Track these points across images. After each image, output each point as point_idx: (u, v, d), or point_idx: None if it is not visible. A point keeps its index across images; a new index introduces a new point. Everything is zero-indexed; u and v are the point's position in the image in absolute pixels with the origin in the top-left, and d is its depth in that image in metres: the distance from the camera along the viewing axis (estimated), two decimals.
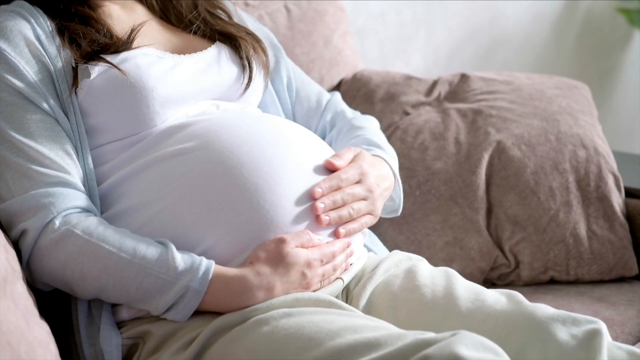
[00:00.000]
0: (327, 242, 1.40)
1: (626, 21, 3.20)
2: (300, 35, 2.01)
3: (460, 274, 1.56)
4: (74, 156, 1.40)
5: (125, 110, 1.41)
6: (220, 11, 1.63)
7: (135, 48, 1.45)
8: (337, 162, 1.44)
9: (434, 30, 2.74)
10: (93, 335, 1.37)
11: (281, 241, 1.35)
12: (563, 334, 1.29)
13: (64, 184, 1.37)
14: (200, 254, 1.35)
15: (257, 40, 1.58)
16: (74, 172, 1.39)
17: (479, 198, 1.84)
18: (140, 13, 1.55)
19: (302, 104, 1.69)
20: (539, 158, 1.86)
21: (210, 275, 1.32)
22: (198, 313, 1.34)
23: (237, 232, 1.35)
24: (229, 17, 1.63)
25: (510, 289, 1.41)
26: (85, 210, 1.38)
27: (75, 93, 1.42)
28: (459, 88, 1.99)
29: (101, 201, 1.42)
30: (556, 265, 1.84)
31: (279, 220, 1.36)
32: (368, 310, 1.42)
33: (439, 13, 2.74)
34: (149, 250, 1.33)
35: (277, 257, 1.34)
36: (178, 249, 1.34)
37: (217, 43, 1.55)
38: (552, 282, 1.88)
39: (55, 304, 1.42)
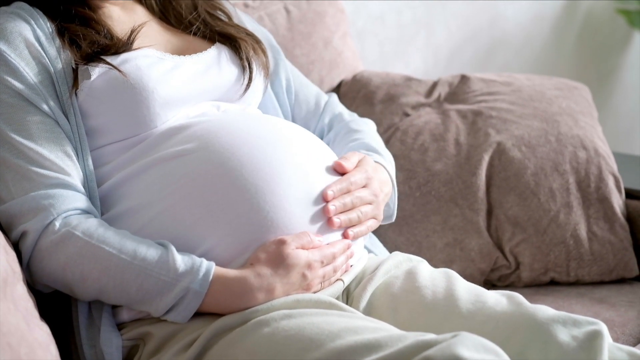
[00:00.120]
0: (328, 244, 1.40)
1: (626, 22, 3.20)
2: (300, 37, 2.01)
3: (461, 275, 1.56)
4: (74, 158, 1.40)
5: (125, 112, 1.41)
6: (220, 12, 1.63)
7: (135, 49, 1.45)
8: (347, 165, 1.45)
9: (433, 32, 2.74)
10: (93, 337, 1.37)
11: (281, 242, 1.34)
12: (564, 335, 1.29)
13: (64, 186, 1.37)
14: (200, 256, 1.35)
15: (257, 41, 1.58)
16: (74, 174, 1.39)
17: (479, 199, 1.84)
18: (140, 14, 1.55)
19: (301, 106, 1.70)
20: (539, 159, 1.86)
21: (211, 277, 1.32)
22: (198, 314, 1.34)
23: (237, 233, 1.35)
24: (229, 18, 1.63)
25: (510, 290, 1.42)
26: (86, 211, 1.38)
27: (76, 94, 1.42)
28: (459, 89, 1.99)
29: (101, 202, 1.42)
30: (556, 266, 1.84)
31: (279, 221, 1.36)
32: (368, 311, 1.42)
33: (439, 14, 2.74)
34: (150, 252, 1.33)
35: (278, 259, 1.34)
36: (178, 250, 1.34)
37: (217, 44, 1.55)
38: (553, 283, 1.88)
39: (56, 305, 1.42)
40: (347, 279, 1.44)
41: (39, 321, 1.28)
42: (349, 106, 1.95)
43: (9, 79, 1.39)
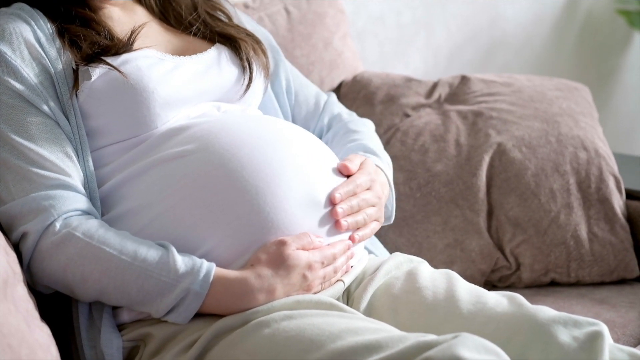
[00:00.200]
0: (328, 244, 1.40)
1: (626, 23, 3.20)
2: (300, 38, 2.01)
3: (461, 276, 1.56)
4: (75, 158, 1.40)
5: (126, 112, 1.41)
6: (220, 13, 1.63)
7: (135, 50, 1.45)
8: (352, 167, 1.45)
9: (433, 32, 2.74)
10: (94, 338, 1.36)
11: (282, 243, 1.34)
12: (564, 336, 1.29)
13: (65, 187, 1.37)
14: (201, 256, 1.35)
15: (257, 41, 1.58)
16: (75, 175, 1.39)
17: (479, 200, 1.84)
18: (141, 15, 1.55)
19: (301, 106, 1.70)
20: (540, 160, 1.86)
21: (211, 278, 1.32)
22: (199, 315, 1.34)
23: (237, 234, 1.35)
24: (229, 18, 1.63)
25: (511, 291, 1.42)
26: (86, 212, 1.38)
27: (76, 95, 1.42)
28: (459, 90, 1.99)
29: (102, 203, 1.42)
30: (557, 267, 1.84)
31: (280, 222, 1.36)
32: (369, 312, 1.41)
33: (439, 15, 2.74)
34: (150, 253, 1.33)
35: (278, 260, 1.34)
36: (179, 251, 1.34)
37: (217, 44, 1.55)
38: (553, 284, 1.88)
39: (56, 306, 1.42)
40: (348, 279, 1.44)
41: (40, 322, 1.28)
42: (350, 107, 1.95)
43: (9, 79, 1.39)
